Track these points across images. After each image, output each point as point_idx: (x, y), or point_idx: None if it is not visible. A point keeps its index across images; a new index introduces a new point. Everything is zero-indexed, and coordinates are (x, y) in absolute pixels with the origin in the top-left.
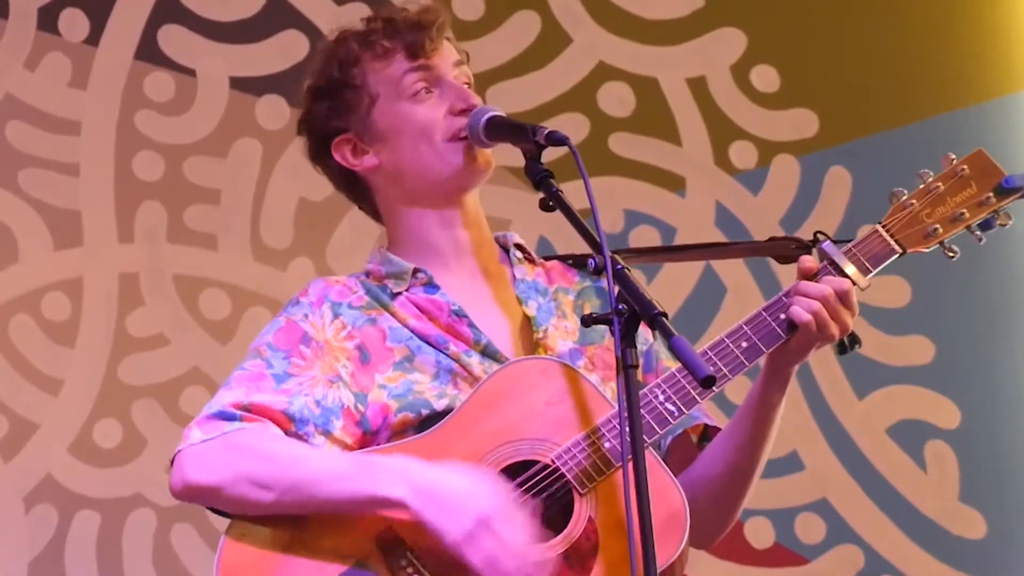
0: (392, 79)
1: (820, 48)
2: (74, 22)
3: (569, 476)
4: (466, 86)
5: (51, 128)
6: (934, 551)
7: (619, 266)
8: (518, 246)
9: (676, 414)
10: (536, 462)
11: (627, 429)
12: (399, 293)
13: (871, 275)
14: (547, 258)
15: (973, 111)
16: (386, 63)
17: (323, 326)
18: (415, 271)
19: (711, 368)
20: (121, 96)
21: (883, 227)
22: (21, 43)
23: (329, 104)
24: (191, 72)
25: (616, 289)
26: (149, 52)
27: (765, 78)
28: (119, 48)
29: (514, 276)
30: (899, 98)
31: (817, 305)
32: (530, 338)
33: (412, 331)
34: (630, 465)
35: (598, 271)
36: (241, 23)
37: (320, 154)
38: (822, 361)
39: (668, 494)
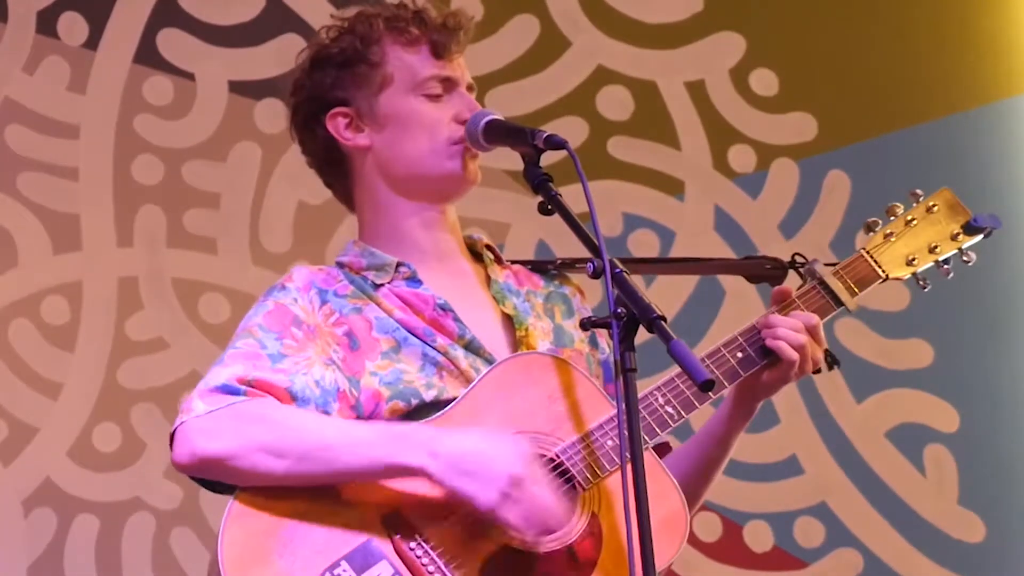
0: (411, 69)
1: (819, 52)
2: (73, 26)
3: (573, 471)
4: None
5: (50, 132)
6: (933, 555)
7: (618, 269)
8: (488, 247)
9: (676, 417)
10: (541, 455)
11: (626, 432)
12: (381, 285)
13: (856, 298)
14: (513, 262)
15: (973, 115)
16: (410, 51)
17: (313, 310)
18: (398, 264)
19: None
20: (120, 100)
21: (867, 252)
22: (20, 47)
23: (338, 73)
24: (190, 76)
25: (615, 292)
26: (148, 56)
27: (764, 82)
28: (118, 52)
29: (488, 277)
30: (898, 102)
31: (804, 339)
32: (512, 336)
33: (398, 322)
34: (629, 467)
35: (597, 275)
36: (240, 27)
37: (308, 121)
38: None
39: (668, 496)
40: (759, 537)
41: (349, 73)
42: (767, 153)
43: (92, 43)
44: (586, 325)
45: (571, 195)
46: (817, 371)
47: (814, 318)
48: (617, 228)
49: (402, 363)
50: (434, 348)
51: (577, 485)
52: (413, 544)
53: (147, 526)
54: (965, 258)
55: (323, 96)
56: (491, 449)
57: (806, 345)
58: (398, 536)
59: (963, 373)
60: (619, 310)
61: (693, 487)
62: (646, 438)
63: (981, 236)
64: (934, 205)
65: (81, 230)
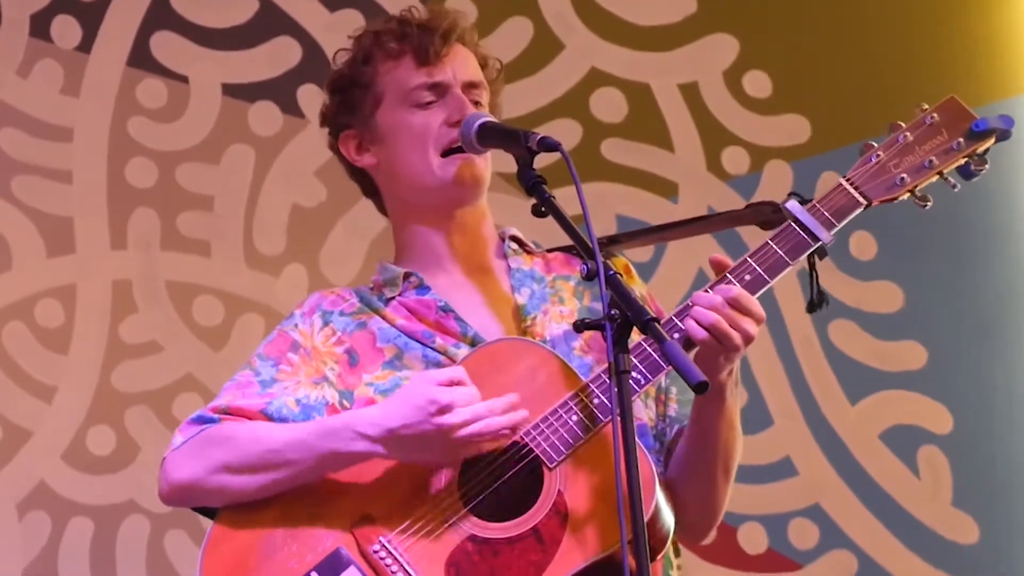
0: (398, 83)
1: (812, 53)
2: (66, 29)
3: (537, 451)
4: (475, 104)
5: (44, 135)
6: (927, 556)
7: (611, 271)
8: (514, 238)
9: (643, 382)
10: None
11: (620, 434)
12: (392, 298)
13: (835, 229)
14: (551, 250)
15: None
16: (395, 65)
17: (312, 333)
18: (407, 275)
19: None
20: (114, 103)
21: (847, 180)
22: (13, 50)
23: (340, 99)
24: (184, 79)
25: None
26: (141, 59)
27: (757, 84)
28: (111, 55)
29: (509, 267)
30: (892, 103)
31: (713, 317)
32: (520, 327)
33: (400, 330)
34: (625, 471)
35: (590, 277)
36: (233, 29)
37: (333, 148)
38: (814, 366)
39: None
40: (753, 539)
41: (347, 97)
42: (760, 155)
43: (86, 46)
44: (579, 327)
45: (565, 197)
46: (811, 311)
47: (733, 290)
48: (611, 230)
49: (404, 370)
50: (434, 349)
51: (543, 464)
52: (377, 547)
53: (141, 529)
54: (976, 167)
55: (333, 123)
56: (401, 404)
57: (716, 322)
58: (364, 542)
59: (956, 375)
60: (612, 312)
61: (698, 471)
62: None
63: (989, 140)
64: (933, 116)
65: (75, 233)
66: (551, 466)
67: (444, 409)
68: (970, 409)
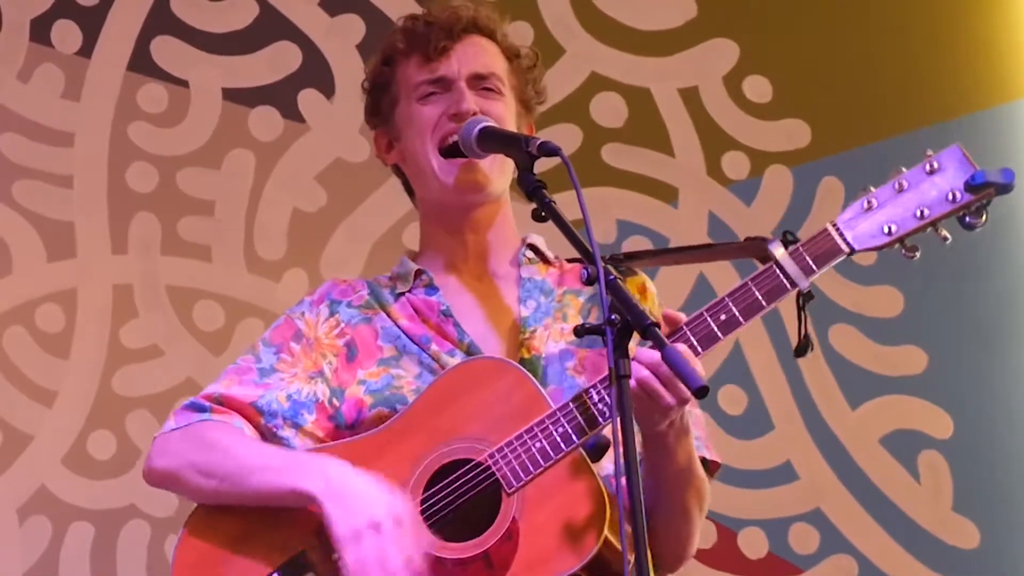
0: (407, 81)
1: (813, 58)
2: (67, 34)
3: (499, 475)
4: (489, 92)
5: (44, 140)
6: (928, 561)
7: (611, 277)
8: (531, 246)
9: (607, 414)
10: (471, 460)
11: (620, 439)
12: (402, 293)
13: (814, 276)
14: (571, 260)
15: (967, 121)
16: (407, 64)
17: (316, 323)
18: (418, 272)
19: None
20: (114, 107)
21: (834, 226)
22: (14, 54)
23: (368, 100)
24: (184, 83)
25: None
26: (142, 63)
27: (758, 88)
28: (112, 59)
29: (520, 277)
30: (892, 108)
31: (645, 374)
32: (518, 339)
33: (402, 331)
34: (625, 481)
35: (590, 281)
36: (234, 34)
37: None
38: (815, 371)
39: (592, 495)
40: (754, 544)
41: (372, 98)
42: (761, 160)
43: (86, 51)
44: (580, 332)
45: (565, 202)
46: (799, 355)
47: (679, 348)
48: (611, 235)
49: (400, 369)
50: (428, 354)
51: (502, 489)
52: (335, 555)
53: (142, 534)
54: (973, 219)
55: (369, 122)
56: (374, 491)
57: (647, 379)
58: (325, 546)
59: (957, 379)
60: (613, 317)
61: (657, 518)
62: (574, 438)
63: (986, 193)
64: (934, 163)
65: (76, 238)
66: (509, 491)
67: (373, 528)
68: (970, 414)
